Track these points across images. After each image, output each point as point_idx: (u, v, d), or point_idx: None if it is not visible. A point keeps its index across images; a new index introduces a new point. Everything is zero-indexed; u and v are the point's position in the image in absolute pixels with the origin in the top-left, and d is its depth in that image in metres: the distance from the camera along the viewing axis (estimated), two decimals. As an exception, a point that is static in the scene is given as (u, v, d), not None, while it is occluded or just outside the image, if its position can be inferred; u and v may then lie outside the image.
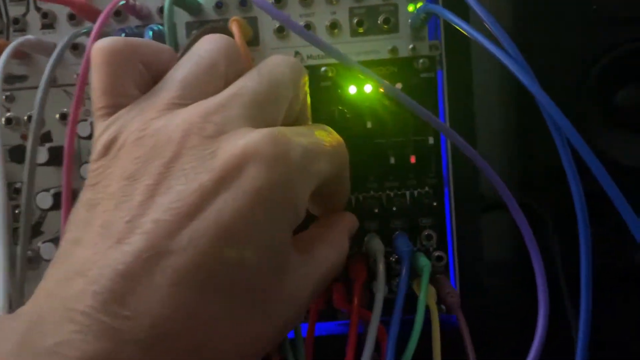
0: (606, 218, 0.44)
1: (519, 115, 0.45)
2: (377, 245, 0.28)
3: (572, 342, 0.27)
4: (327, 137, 0.24)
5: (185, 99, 0.21)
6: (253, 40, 0.30)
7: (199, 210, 0.18)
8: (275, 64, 0.24)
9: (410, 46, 0.30)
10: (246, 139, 0.20)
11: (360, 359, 0.23)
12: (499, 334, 0.37)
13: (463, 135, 0.31)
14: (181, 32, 0.30)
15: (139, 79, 0.22)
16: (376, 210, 0.30)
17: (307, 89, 0.26)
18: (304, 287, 0.22)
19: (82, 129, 0.29)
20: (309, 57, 0.30)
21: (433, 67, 0.30)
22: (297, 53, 0.30)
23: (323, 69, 0.30)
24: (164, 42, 0.28)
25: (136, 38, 0.23)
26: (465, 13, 0.25)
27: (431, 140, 0.30)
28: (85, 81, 0.25)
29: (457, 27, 0.24)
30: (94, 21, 0.28)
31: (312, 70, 0.30)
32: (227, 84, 0.22)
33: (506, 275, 0.50)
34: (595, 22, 0.43)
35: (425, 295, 0.26)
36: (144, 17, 0.29)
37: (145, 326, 0.17)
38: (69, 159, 0.24)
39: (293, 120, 0.25)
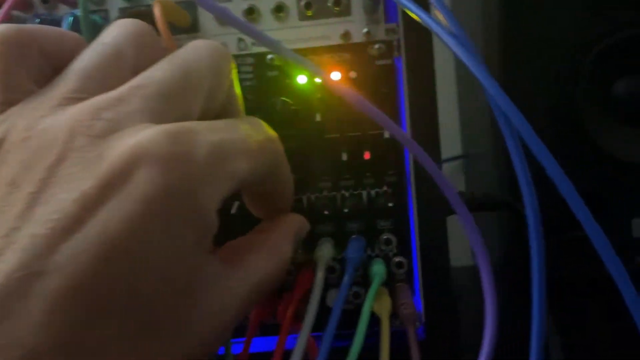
0: (602, 218, 0.41)
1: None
2: (322, 250, 0.25)
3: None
4: (252, 131, 0.21)
5: (82, 93, 0.19)
6: (192, 26, 0.28)
7: (81, 223, 0.16)
8: (192, 50, 0.21)
9: (365, 30, 0.27)
10: (137, 137, 0.17)
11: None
12: (470, 349, 0.34)
13: (426, 130, 0.28)
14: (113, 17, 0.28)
15: (36, 72, 0.20)
16: (326, 212, 0.27)
17: (234, 77, 0.23)
18: (227, 303, 0.19)
19: None
20: (254, 43, 0.28)
21: (390, 53, 0.27)
22: (240, 40, 0.28)
23: (269, 56, 0.27)
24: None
25: (35, 25, 0.20)
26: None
27: (387, 134, 0.27)
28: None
29: (405, 9, 0.21)
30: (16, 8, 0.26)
31: (258, 59, 0.28)
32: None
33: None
34: (590, 5, 0.40)
35: (370, 306, 0.23)
36: (72, 4, 0.27)
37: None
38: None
39: (216, 113, 0.22)
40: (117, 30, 0.21)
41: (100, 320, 0.16)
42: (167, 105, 0.19)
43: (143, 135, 0.17)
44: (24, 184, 0.17)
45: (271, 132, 0.22)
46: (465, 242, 0.55)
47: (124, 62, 0.20)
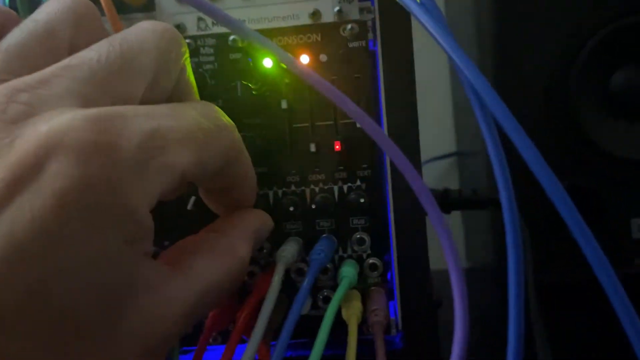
0: (603, 219, 0.39)
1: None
2: (284, 250, 0.23)
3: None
4: (200, 118, 0.19)
5: (5, 74, 0.17)
6: (147, 5, 0.25)
7: None
8: (137, 31, 0.19)
9: (336, 9, 0.25)
10: (52, 123, 0.15)
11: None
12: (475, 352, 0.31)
13: (404, 120, 0.25)
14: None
15: None
16: (291, 209, 0.25)
17: (186, 62, 0.21)
18: (166, 312, 0.17)
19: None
20: (215, 24, 0.25)
21: (364, 34, 0.25)
22: (200, 19, 0.25)
23: (232, 37, 0.25)
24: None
25: None
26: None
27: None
28: None
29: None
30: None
31: (220, 40, 0.25)
32: None
33: (485, 280, 0.44)
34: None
35: (334, 310, 0.20)
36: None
37: None
38: None
39: (162, 101, 0.20)
40: (53, 6, 0.19)
41: (10, 331, 0.14)
42: (99, 89, 0.17)
43: (59, 121, 0.15)
44: None
45: (225, 120, 0.20)
46: (458, 244, 0.52)
47: (58, 42, 0.18)
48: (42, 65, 0.17)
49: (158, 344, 0.17)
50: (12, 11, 0.20)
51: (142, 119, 0.16)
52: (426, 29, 0.16)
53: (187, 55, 0.21)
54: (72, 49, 0.18)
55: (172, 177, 0.17)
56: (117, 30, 0.20)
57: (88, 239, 0.15)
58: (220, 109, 0.20)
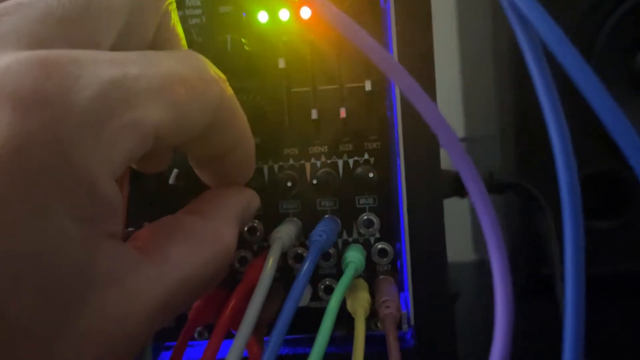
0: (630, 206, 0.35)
1: (514, 80, 0.36)
2: (280, 231, 0.19)
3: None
4: (180, 67, 0.15)
5: None
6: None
7: None
8: None
9: (343, -46, 0.21)
10: None
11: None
12: (479, 354, 0.28)
13: (418, 80, 0.22)
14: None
15: None
16: (289, 185, 0.21)
17: (170, 7, 0.17)
18: (137, 307, 0.14)
19: None
20: (202, -30, 0.22)
21: (375, -15, 0.21)
22: (185, -35, 0.22)
23: (222, -12, 0.22)
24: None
25: None
26: None
27: (368, 87, 0.21)
28: None
29: None
30: None
31: (208, -10, 0.22)
32: None
33: (483, 280, 0.41)
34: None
35: (338, 301, 0.17)
36: None
37: None
38: None
39: None
40: None
41: None
42: (56, 32, 0.14)
43: (3, 61, 0.12)
44: None
45: (213, 72, 0.17)
46: (462, 234, 0.48)
47: None
48: None
49: (122, 347, 0.14)
50: None
51: (102, 66, 0.13)
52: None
53: (183, 39, 0.17)
54: None
55: (140, 138, 0.14)
56: None
57: (28, 218, 0.12)
58: (209, 61, 0.17)
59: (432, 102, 0.15)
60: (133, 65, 0.14)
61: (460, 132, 0.55)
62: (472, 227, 0.52)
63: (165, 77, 0.14)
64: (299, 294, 0.16)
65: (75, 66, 0.13)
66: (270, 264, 0.17)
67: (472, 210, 0.51)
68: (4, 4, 0.14)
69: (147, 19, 0.16)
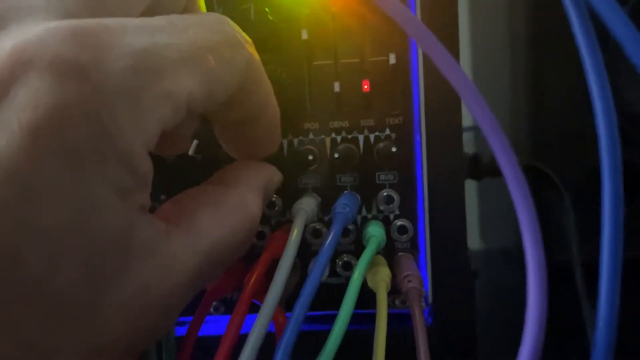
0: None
1: (529, 63, 0.36)
2: (302, 203, 0.19)
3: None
4: (207, 34, 0.15)
5: None
6: None
7: None
8: None
9: None
10: (19, 38, 0.12)
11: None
12: (492, 342, 0.28)
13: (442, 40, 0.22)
14: None
15: None
16: (310, 158, 0.21)
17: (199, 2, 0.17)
18: (172, 275, 0.14)
19: None
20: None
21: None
22: None
23: (245, -43, 0.21)
24: None
25: None
26: None
27: (392, 60, 0.21)
28: None
29: None
30: None
31: (230, -40, 0.21)
32: None
33: (507, 266, 0.41)
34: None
35: (361, 274, 0.17)
36: None
37: None
38: None
39: None
40: None
41: None
42: (88, 5, 0.13)
43: (29, 34, 0.12)
44: None
45: (239, 35, 0.16)
46: (472, 219, 0.48)
47: None
48: None
49: (152, 321, 0.14)
50: None
51: (133, 35, 0.13)
52: None
53: (202, 4, 0.17)
54: None
55: (174, 108, 0.13)
56: None
57: (70, 188, 0.11)
58: (235, 24, 0.17)
59: (466, 76, 0.15)
60: (162, 33, 0.14)
61: (469, 121, 0.55)
62: (479, 214, 0.52)
63: (195, 45, 0.14)
64: (324, 265, 0.16)
65: (106, 34, 0.12)
66: (296, 234, 0.17)
67: (479, 197, 0.51)
68: None
69: None
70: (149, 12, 0.15)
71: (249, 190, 0.18)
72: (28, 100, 0.11)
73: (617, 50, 0.37)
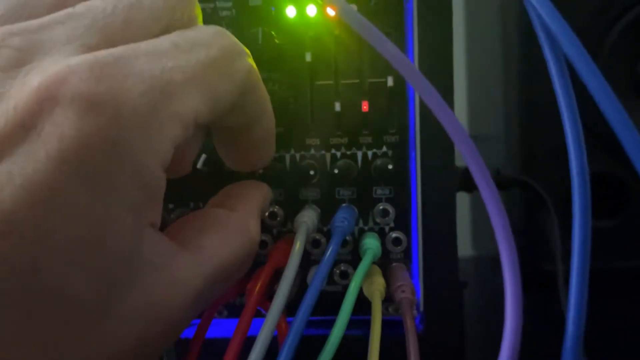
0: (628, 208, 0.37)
1: (522, 79, 0.37)
2: (304, 216, 0.21)
3: None
4: (208, 51, 0.16)
5: (8, 21, 0.15)
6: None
7: None
8: None
9: (370, -45, 0.22)
10: (45, 74, 0.13)
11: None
12: (481, 346, 0.29)
13: (436, 82, 0.23)
14: None
15: None
16: (312, 173, 0.22)
17: (199, 22, 0.18)
18: (175, 295, 0.15)
19: None
20: (236, -35, 0.23)
21: (399, -15, 0.22)
22: (218, -40, 0.23)
23: (252, -18, 0.23)
24: None
25: None
26: None
27: (390, 82, 0.22)
28: None
29: None
30: None
31: (239, -16, 0.23)
32: None
33: (497, 273, 0.42)
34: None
35: (358, 284, 0.18)
36: None
37: None
38: None
39: None
40: None
41: None
42: (104, 39, 0.15)
43: (54, 71, 0.13)
44: None
45: (237, 46, 0.17)
46: (464, 228, 0.49)
47: None
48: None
49: (164, 330, 0.15)
50: None
51: (144, 61, 0.14)
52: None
53: (199, 11, 0.18)
54: None
55: (184, 127, 0.15)
56: None
57: (88, 209, 0.13)
58: (231, 33, 0.18)
59: (445, 104, 0.16)
60: (168, 57, 0.15)
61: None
62: (471, 223, 0.53)
63: (198, 64, 0.15)
64: (325, 275, 0.17)
65: (119, 66, 0.14)
66: (298, 246, 0.18)
67: (472, 207, 0.53)
68: (56, 14, 0.15)
69: (185, 14, 0.17)
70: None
71: (250, 215, 0.19)
72: (54, 132, 0.12)
73: (608, 57, 0.38)
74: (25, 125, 0.12)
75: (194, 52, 0.15)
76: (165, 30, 0.16)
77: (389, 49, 0.15)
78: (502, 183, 0.33)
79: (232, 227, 0.18)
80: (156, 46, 0.15)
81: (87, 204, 0.13)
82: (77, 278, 0.13)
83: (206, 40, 0.16)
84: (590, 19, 0.35)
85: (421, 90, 0.16)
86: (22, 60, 0.13)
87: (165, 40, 0.15)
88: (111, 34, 0.15)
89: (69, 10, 0.15)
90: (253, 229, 0.18)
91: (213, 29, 0.17)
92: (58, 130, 0.12)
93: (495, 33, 0.40)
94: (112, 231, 0.13)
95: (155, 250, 0.15)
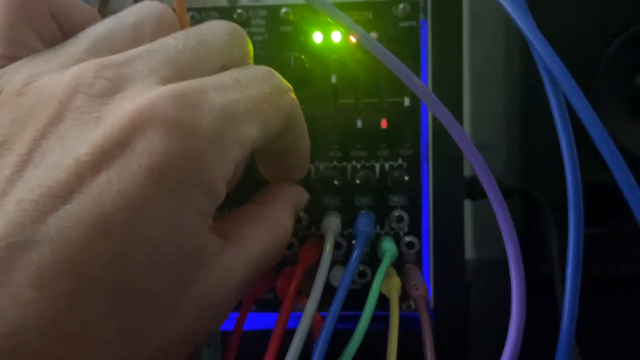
0: (619, 216, 0.39)
1: (523, 91, 0.40)
2: (330, 222, 0.23)
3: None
4: (263, 86, 0.19)
5: (92, 55, 0.17)
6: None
7: (74, 192, 0.14)
8: (210, 26, 0.19)
9: (390, -13, 0.25)
10: (138, 100, 0.15)
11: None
12: (482, 342, 0.32)
13: (447, 102, 0.26)
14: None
15: (45, 32, 0.19)
16: (336, 182, 0.25)
17: (250, 60, 0.21)
18: (225, 283, 0.18)
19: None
20: (268, -6, 0.25)
21: (415, 14, 0.25)
22: (253, -10, 0.25)
23: (283, 10, 0.25)
24: None
25: None
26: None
27: (407, 102, 0.25)
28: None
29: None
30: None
31: (271, 12, 0.25)
32: None
33: (497, 274, 0.45)
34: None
35: (379, 283, 0.21)
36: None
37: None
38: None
39: None
40: (142, 6, 0.19)
41: (89, 298, 0.14)
42: (177, 73, 0.17)
43: (147, 98, 0.15)
44: (15, 145, 0.15)
45: (284, 84, 0.20)
46: (467, 233, 0.52)
47: (141, 35, 0.18)
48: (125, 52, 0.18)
49: (209, 318, 0.18)
50: (95, 10, 0.21)
51: (213, 94, 0.17)
52: (506, 11, 0.17)
53: (251, 50, 0.21)
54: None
55: (244, 149, 0.17)
56: (185, 26, 0.20)
57: (169, 213, 0.15)
58: (278, 73, 0.20)
59: (457, 122, 0.19)
60: (232, 90, 0.17)
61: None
62: (473, 228, 0.56)
63: (255, 98, 0.18)
64: (353, 274, 0.20)
65: (196, 96, 0.16)
66: (328, 249, 0.21)
67: (474, 214, 0.55)
68: (137, 50, 0.17)
69: (240, 52, 0.20)
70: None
71: (283, 209, 0.21)
72: (145, 149, 0.15)
73: (605, 73, 0.40)
74: (122, 143, 0.15)
75: (251, 88, 0.18)
76: (226, 65, 0.19)
77: (403, 71, 0.18)
78: (503, 191, 0.35)
79: (267, 221, 0.20)
80: (222, 81, 0.17)
81: (168, 210, 0.15)
82: (156, 273, 0.15)
83: (260, 77, 0.19)
84: (589, 37, 0.38)
85: (434, 109, 0.18)
86: (114, 89, 0.16)
87: (228, 76, 0.18)
88: (182, 68, 0.17)
89: (147, 46, 0.17)
90: (286, 222, 0.21)
91: (265, 68, 0.20)
92: (148, 147, 0.15)
93: (498, 49, 0.43)
94: (186, 233, 0.16)
95: (211, 247, 0.17)
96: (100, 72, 0.16)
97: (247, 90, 0.18)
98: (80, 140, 0.15)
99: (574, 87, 0.15)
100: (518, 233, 0.40)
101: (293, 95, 0.20)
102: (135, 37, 0.18)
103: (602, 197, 0.38)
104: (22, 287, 0.13)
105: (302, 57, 0.24)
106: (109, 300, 0.15)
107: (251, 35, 0.25)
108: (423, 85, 0.19)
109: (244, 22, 0.25)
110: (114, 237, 0.14)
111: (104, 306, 0.15)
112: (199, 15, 0.26)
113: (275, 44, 0.25)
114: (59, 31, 0.19)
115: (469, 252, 0.54)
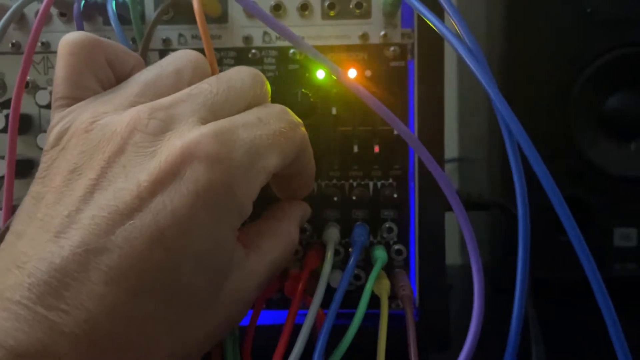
0: (590, 227, 0.43)
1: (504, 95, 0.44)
2: (331, 233, 0.27)
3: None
4: (280, 123, 0.23)
5: (142, 98, 0.21)
6: (222, 17, 0.29)
7: (136, 210, 0.18)
8: (236, 72, 0.23)
9: (382, 33, 0.29)
10: (186, 138, 0.19)
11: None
12: (463, 337, 0.36)
13: (431, 131, 0.30)
14: (149, 4, 0.30)
15: (103, 77, 0.22)
16: (335, 198, 0.29)
17: (268, 99, 0.25)
18: (248, 283, 0.22)
19: (41, 97, 0.29)
20: (278, 38, 0.30)
21: (404, 56, 0.29)
22: (265, 33, 0.30)
23: (292, 51, 0.29)
24: (127, 13, 0.28)
25: (106, 39, 0.23)
26: (438, 4, 0.24)
27: (396, 130, 0.29)
28: (34, 43, 0.24)
29: (421, 16, 0.23)
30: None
31: (281, 52, 0.30)
32: None
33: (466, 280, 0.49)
34: (587, 25, 0.42)
35: (372, 284, 0.25)
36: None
37: (79, 321, 0.17)
38: (13, 124, 0.23)
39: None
40: (179, 54, 0.23)
41: (148, 294, 0.18)
42: (213, 114, 0.21)
43: (192, 136, 0.19)
44: (86, 172, 0.19)
45: (296, 119, 0.24)
46: (454, 241, 0.57)
47: (182, 78, 0.22)
48: (170, 95, 0.22)
49: (237, 312, 0.22)
50: (140, 57, 0.25)
51: (243, 131, 0.21)
52: (470, 68, 0.21)
53: (269, 90, 0.25)
54: (190, 85, 0.23)
55: (267, 175, 0.22)
56: (214, 71, 0.24)
57: (210, 228, 0.19)
58: (290, 110, 0.25)
59: (430, 156, 0.23)
60: (256, 127, 0.21)
61: (455, 152, 0.63)
62: (459, 236, 0.60)
63: (275, 132, 0.22)
64: (350, 277, 0.24)
65: (230, 133, 0.20)
66: (329, 256, 0.25)
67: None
68: (180, 94, 0.21)
69: (261, 93, 0.24)
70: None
71: (292, 224, 0.26)
72: (192, 177, 0.19)
73: (579, 97, 0.45)
74: (173, 172, 0.19)
75: (271, 124, 0.22)
76: (250, 104, 0.23)
77: (376, 105, 0.23)
78: (483, 204, 0.40)
79: (280, 233, 0.24)
80: (248, 120, 0.21)
81: (209, 225, 0.19)
82: (200, 276, 0.19)
83: (277, 115, 0.23)
84: (565, 65, 0.42)
85: (399, 129, 0.23)
86: (164, 127, 0.20)
87: (252, 115, 0.22)
88: (216, 110, 0.21)
89: (187, 91, 0.21)
90: (294, 235, 0.25)
91: (280, 107, 0.24)
92: (195, 176, 0.19)
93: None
94: (222, 244, 0.20)
95: (237, 254, 0.21)
96: (153, 114, 0.20)
97: (268, 126, 0.22)
98: (140, 170, 0.19)
99: (524, 136, 0.20)
100: (498, 240, 0.44)
101: (303, 128, 0.24)
102: (177, 83, 0.22)
103: (576, 209, 0.42)
104: (96, 284, 0.17)
105: (308, 92, 0.29)
106: (164, 297, 0.19)
107: (264, 72, 0.29)
108: (389, 112, 0.23)
109: (257, 61, 0.30)
110: (166, 247, 0.18)
111: (160, 301, 0.19)
112: (219, 54, 0.30)
113: (285, 79, 0.29)
114: (112, 74, 0.23)
115: (456, 258, 0.59)
